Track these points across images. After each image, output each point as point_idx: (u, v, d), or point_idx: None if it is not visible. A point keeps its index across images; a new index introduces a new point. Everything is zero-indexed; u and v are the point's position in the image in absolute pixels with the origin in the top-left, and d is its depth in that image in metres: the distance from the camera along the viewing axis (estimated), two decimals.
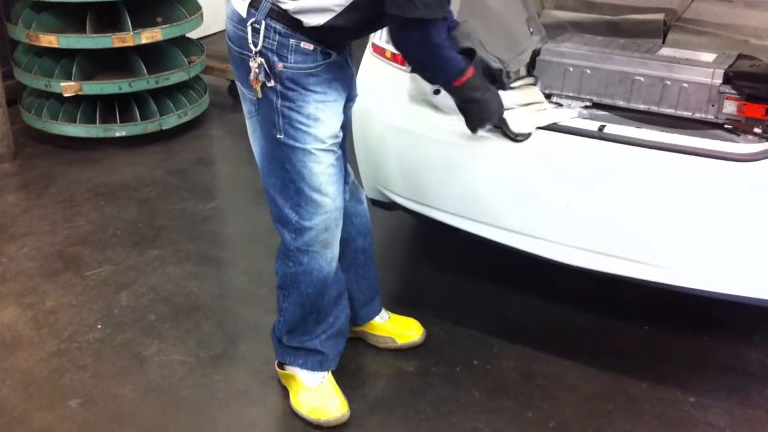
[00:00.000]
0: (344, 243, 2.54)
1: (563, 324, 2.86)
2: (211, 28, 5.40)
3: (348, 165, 2.48)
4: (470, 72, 2.23)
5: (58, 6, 4.10)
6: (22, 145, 4.31)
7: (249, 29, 2.10)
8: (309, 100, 2.15)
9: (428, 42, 2.11)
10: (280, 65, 2.11)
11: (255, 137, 2.28)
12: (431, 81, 2.44)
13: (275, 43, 2.10)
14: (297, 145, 2.17)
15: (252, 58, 2.11)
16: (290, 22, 2.08)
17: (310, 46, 2.11)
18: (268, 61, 2.11)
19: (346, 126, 2.42)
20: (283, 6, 2.07)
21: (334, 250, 2.33)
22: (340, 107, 2.23)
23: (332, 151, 2.23)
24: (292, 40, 2.10)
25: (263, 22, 2.09)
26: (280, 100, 2.15)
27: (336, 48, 2.17)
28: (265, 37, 2.10)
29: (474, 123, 2.38)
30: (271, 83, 2.13)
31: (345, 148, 2.45)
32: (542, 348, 2.72)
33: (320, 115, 2.17)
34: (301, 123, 2.16)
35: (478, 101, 2.30)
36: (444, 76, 2.25)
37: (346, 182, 2.49)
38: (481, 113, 2.34)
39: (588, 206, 2.48)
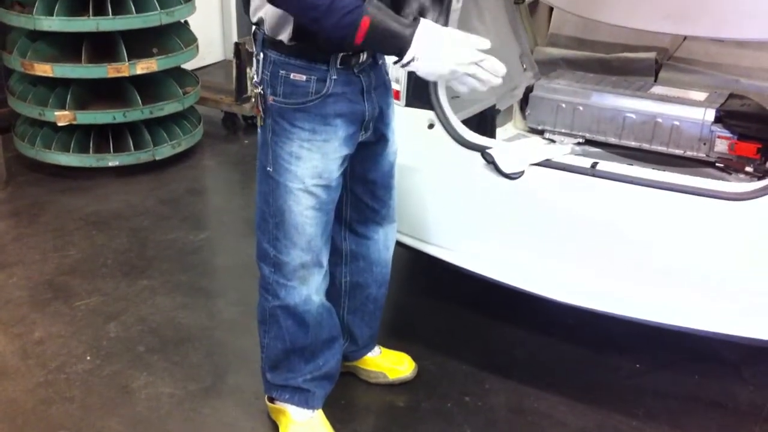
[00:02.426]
0: (358, 287, 2.53)
1: (555, 359, 2.85)
2: (206, 59, 5.43)
3: (390, 211, 2.45)
4: (364, 23, 1.83)
5: (53, 35, 4.11)
6: (14, 174, 4.30)
7: (254, 61, 2.13)
8: (293, 137, 2.11)
9: None
10: (270, 98, 2.10)
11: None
12: (330, 42, 1.94)
13: (269, 74, 2.09)
14: (280, 180, 2.15)
15: (255, 87, 2.14)
16: (280, 47, 2.06)
17: (301, 77, 2.06)
18: (263, 93, 2.12)
19: (384, 168, 2.36)
20: (267, 33, 2.07)
21: (311, 289, 2.28)
22: (333, 147, 2.14)
23: (312, 193, 2.15)
24: (282, 71, 2.06)
25: (262, 53, 2.10)
26: (270, 133, 2.15)
27: (341, 75, 2.07)
28: (263, 68, 2.10)
29: (436, 73, 1.92)
30: (263, 116, 2.14)
31: (382, 194, 2.40)
32: (534, 383, 2.70)
33: (303, 154, 2.11)
34: (284, 159, 2.13)
35: (424, 62, 1.88)
36: (326, 29, 1.86)
37: (380, 224, 2.46)
38: (429, 62, 1.89)
39: (580, 243, 2.48)
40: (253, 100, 2.16)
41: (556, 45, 3.65)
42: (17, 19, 4.07)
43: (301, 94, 2.08)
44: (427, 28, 1.89)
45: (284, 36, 2.03)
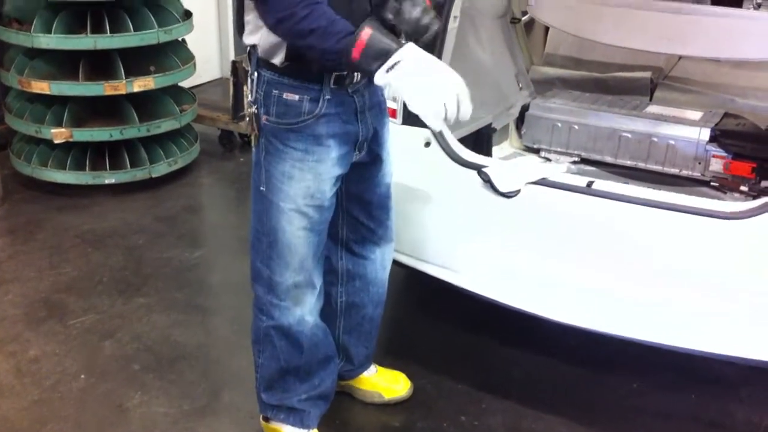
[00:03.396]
0: (353, 307, 2.53)
1: (553, 379, 2.84)
2: (203, 77, 5.43)
3: (386, 231, 2.45)
4: (363, 38, 1.84)
5: (51, 53, 4.11)
6: (10, 191, 4.29)
7: (249, 81, 2.13)
8: (286, 157, 2.11)
9: (277, 18, 1.91)
10: (264, 118, 2.10)
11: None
12: (319, 64, 1.98)
13: (263, 93, 2.09)
14: (273, 199, 2.14)
15: (249, 106, 2.14)
16: (274, 67, 2.06)
17: (294, 97, 2.06)
18: (258, 112, 2.12)
19: (380, 189, 2.36)
20: (259, 53, 2.07)
21: (305, 310, 2.28)
22: (326, 168, 2.13)
23: (305, 214, 2.15)
24: (275, 91, 2.06)
25: (256, 73, 2.10)
26: (263, 153, 2.14)
27: (334, 95, 2.07)
28: (257, 88, 2.11)
29: (423, 107, 1.86)
30: (257, 135, 2.14)
31: (378, 214, 2.39)
32: (531, 404, 2.69)
33: (295, 174, 2.11)
34: (276, 179, 2.13)
35: (404, 75, 1.85)
36: (322, 51, 1.90)
37: (377, 245, 2.45)
38: (421, 91, 1.85)
39: (577, 262, 2.48)
40: (248, 119, 2.16)
41: (552, 64, 3.67)
42: (15, 37, 4.08)
43: (293, 114, 2.08)
44: (413, 47, 1.87)
45: (277, 59, 2.04)
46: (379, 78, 1.87)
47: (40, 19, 4.02)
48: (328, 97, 2.07)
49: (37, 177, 4.27)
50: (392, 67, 1.85)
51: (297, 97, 2.06)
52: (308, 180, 2.13)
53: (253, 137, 2.16)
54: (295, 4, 1.87)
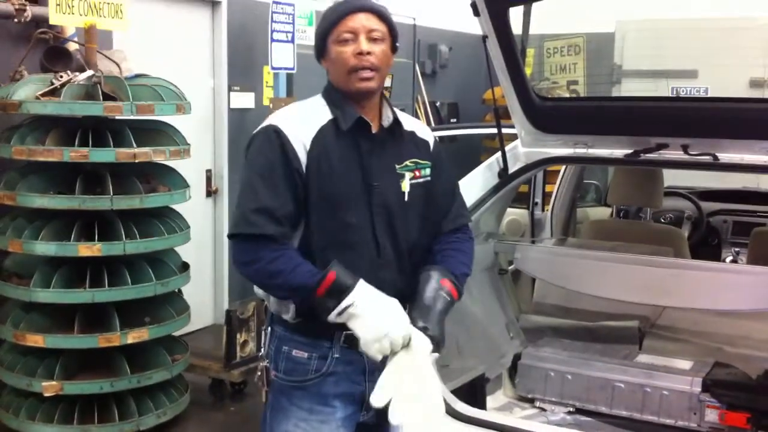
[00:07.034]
0: None
1: None
2: (195, 323, 5.46)
3: None
4: (328, 280, 1.94)
5: (48, 306, 4.13)
6: None
7: (263, 334, 2.17)
8: (290, 415, 2.10)
9: (246, 260, 1.99)
10: (273, 373, 2.12)
11: None
12: (282, 297, 2.08)
13: (273, 349, 2.12)
14: None
15: (261, 360, 2.15)
16: (285, 323, 2.10)
17: (303, 354, 2.07)
18: (267, 367, 2.13)
19: None
20: (271, 309, 2.11)
21: None
22: (330, 429, 2.10)
23: None
24: (285, 347, 2.09)
25: (269, 327, 2.14)
26: (270, 410, 2.14)
27: (344, 354, 2.07)
28: (269, 343, 2.14)
29: (365, 345, 1.96)
30: (267, 390, 2.14)
31: None
32: None
33: None
34: None
35: (354, 317, 1.94)
36: (291, 289, 2.00)
37: None
38: (364, 328, 1.94)
39: None
40: (258, 373, 2.16)
41: (541, 313, 3.74)
42: (14, 291, 4.12)
43: (301, 371, 2.08)
44: (365, 288, 1.96)
45: (288, 315, 2.08)
46: (332, 318, 1.95)
47: (39, 273, 4.07)
48: (337, 355, 2.08)
49: (23, 431, 4.15)
50: (345, 309, 1.93)
51: (306, 354, 2.08)
52: None
53: (263, 393, 2.15)
54: (262, 249, 1.95)
